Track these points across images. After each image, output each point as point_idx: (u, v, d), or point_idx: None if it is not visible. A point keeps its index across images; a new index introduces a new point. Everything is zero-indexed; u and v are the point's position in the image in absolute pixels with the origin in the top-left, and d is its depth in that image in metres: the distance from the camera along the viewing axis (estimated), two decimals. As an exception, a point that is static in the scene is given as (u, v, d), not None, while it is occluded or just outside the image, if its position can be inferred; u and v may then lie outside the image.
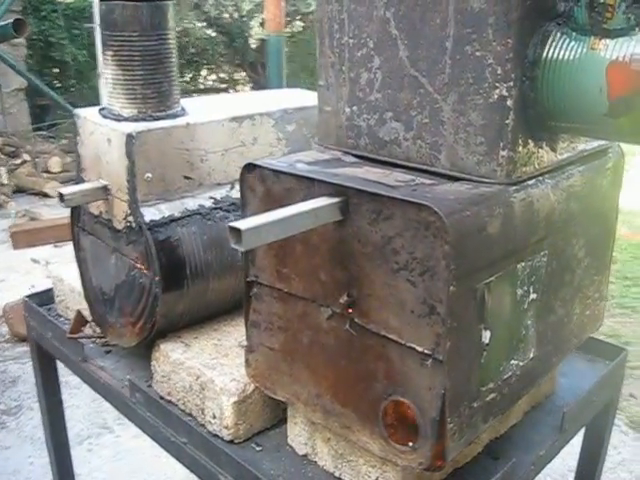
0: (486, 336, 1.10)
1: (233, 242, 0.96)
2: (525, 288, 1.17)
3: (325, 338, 1.20)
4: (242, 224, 0.94)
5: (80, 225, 1.64)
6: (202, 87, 11.03)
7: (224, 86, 11.16)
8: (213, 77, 11.40)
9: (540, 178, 1.15)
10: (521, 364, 1.23)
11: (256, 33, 10.32)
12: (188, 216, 1.44)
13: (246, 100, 1.70)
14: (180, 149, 1.42)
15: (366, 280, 1.09)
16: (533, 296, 1.20)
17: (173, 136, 1.40)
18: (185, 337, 1.51)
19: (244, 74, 11.17)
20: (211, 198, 1.48)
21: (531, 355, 1.25)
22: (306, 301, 1.22)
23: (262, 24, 9.25)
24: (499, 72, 1.03)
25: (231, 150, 1.51)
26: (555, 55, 1.02)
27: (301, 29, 10.91)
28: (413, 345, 1.06)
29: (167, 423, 1.42)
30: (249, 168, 1.22)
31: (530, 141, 1.10)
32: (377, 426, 1.14)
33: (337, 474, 1.27)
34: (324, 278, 1.16)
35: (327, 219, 1.06)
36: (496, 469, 1.29)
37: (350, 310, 1.14)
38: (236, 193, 1.53)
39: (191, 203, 1.46)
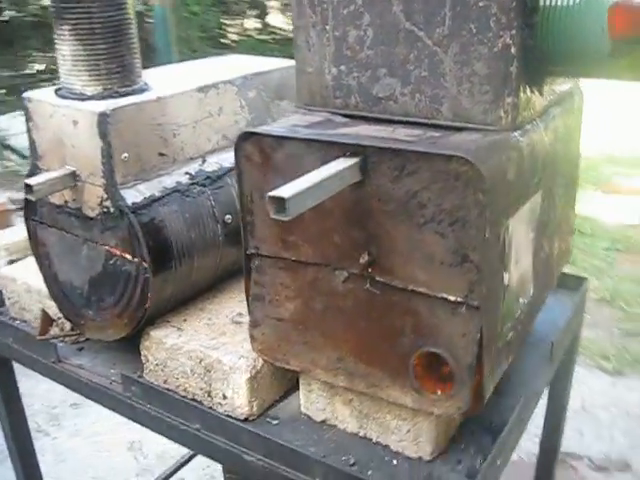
0: (506, 278, 1.14)
1: (274, 212, 0.93)
2: (527, 228, 1.22)
3: (342, 301, 1.20)
4: (284, 192, 0.92)
5: (37, 218, 1.53)
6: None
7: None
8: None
9: (535, 122, 1.19)
10: (526, 302, 1.28)
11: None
12: (168, 195, 1.38)
13: (201, 69, 1.64)
14: (153, 125, 1.35)
15: (388, 237, 1.09)
16: (531, 235, 1.25)
17: (145, 112, 1.33)
18: (174, 321, 1.46)
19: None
20: (187, 174, 1.43)
21: (531, 292, 1.31)
22: (317, 267, 1.20)
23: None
24: (503, 21, 1.04)
25: (200, 122, 1.45)
26: (553, 1, 1.05)
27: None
28: (444, 295, 1.08)
29: (173, 412, 1.38)
30: (245, 136, 1.18)
31: (528, 87, 1.13)
32: (408, 380, 1.15)
33: (362, 434, 1.28)
34: (338, 241, 1.16)
35: (349, 181, 1.05)
36: (507, 406, 1.34)
37: (370, 269, 1.14)
38: (208, 166, 1.49)
39: (168, 181, 1.40)
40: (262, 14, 10.41)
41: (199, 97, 1.44)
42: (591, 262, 4.76)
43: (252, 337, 1.33)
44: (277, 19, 10.43)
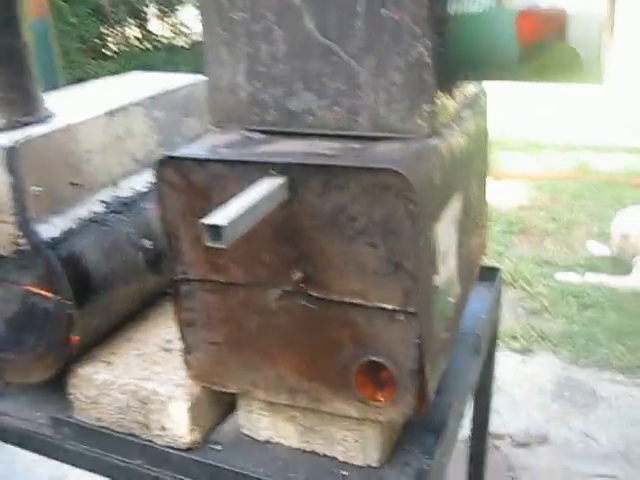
0: (437, 280, 1.16)
1: (209, 240, 0.91)
2: (451, 229, 1.25)
3: (277, 319, 1.19)
4: (219, 219, 0.90)
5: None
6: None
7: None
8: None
9: (450, 126, 1.23)
10: (454, 301, 1.31)
11: None
12: (84, 226, 1.32)
13: (106, 91, 1.58)
14: (63, 154, 1.29)
15: (320, 252, 1.10)
16: (455, 235, 1.29)
17: (54, 141, 1.27)
18: (102, 355, 1.41)
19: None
20: (102, 202, 1.37)
21: (458, 291, 1.35)
22: (249, 287, 1.19)
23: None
24: (417, 31, 1.07)
25: (110, 147, 1.40)
26: (461, 10, 1.09)
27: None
28: (381, 304, 1.09)
29: (111, 449, 1.32)
30: (164, 161, 1.15)
31: (442, 93, 1.16)
32: (351, 391, 1.16)
33: (308, 448, 1.28)
34: (269, 259, 1.15)
35: (279, 200, 1.04)
36: (444, 403, 1.37)
37: (304, 285, 1.14)
38: (122, 192, 1.44)
39: (84, 211, 1.34)
40: (142, 22, 10.17)
41: (107, 121, 1.39)
42: (490, 247, 4.93)
43: (187, 364, 1.30)
44: (157, 26, 10.22)
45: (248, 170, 1.09)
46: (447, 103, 1.20)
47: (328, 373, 1.18)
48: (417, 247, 1.02)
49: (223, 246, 0.91)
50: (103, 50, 9.69)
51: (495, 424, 3.36)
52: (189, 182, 1.15)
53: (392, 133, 1.15)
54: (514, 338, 3.97)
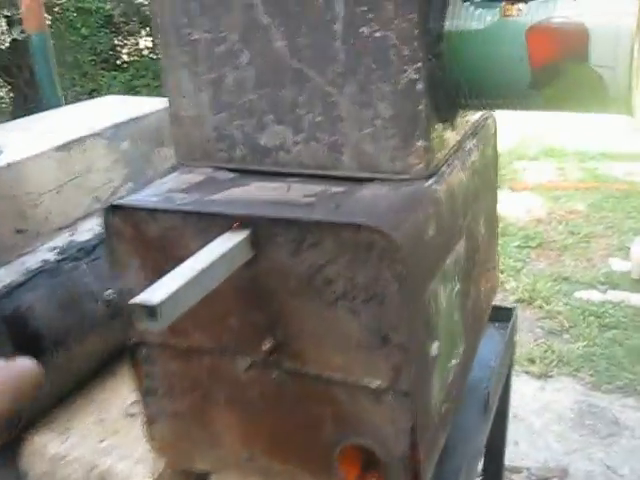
0: (434, 348, 0.98)
1: (143, 321, 0.73)
2: (453, 282, 1.07)
3: (247, 392, 1.01)
4: (152, 296, 0.72)
5: None
6: (-47, 101, 9.81)
7: (-22, 96, 10.02)
8: (-37, 88, 10.18)
9: (450, 161, 1.04)
10: (457, 362, 1.13)
11: (4, 32, 9.32)
12: (33, 277, 1.15)
13: (65, 121, 1.41)
14: (5, 197, 1.12)
15: (294, 318, 0.92)
16: (457, 287, 1.10)
17: (-6, 183, 1.11)
18: (58, 421, 1.23)
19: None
20: (54, 249, 1.20)
21: (462, 349, 1.16)
22: (214, 354, 1.01)
23: (10, 23, 8.39)
24: (405, 53, 0.89)
25: (66, 185, 1.23)
26: (460, 26, 0.90)
27: (50, 23, 10.02)
28: (366, 382, 0.91)
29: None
30: (111, 210, 0.98)
31: (441, 125, 0.98)
32: (333, 476, 0.98)
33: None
34: (236, 324, 0.97)
35: (241, 260, 0.87)
36: (450, 471, 1.19)
37: (276, 355, 0.96)
38: (80, 236, 1.27)
39: (32, 260, 1.17)
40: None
41: (61, 157, 1.22)
42: (507, 263, 4.74)
43: (150, 436, 1.13)
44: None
45: (205, 223, 0.91)
46: (446, 135, 1.02)
47: (306, 455, 1.00)
48: (407, 316, 0.84)
49: (159, 328, 0.73)
50: (117, 62, 9.61)
51: (512, 456, 3.16)
52: (141, 234, 0.98)
53: (381, 174, 0.97)
54: (532, 362, 3.76)
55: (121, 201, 0.97)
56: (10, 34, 8.69)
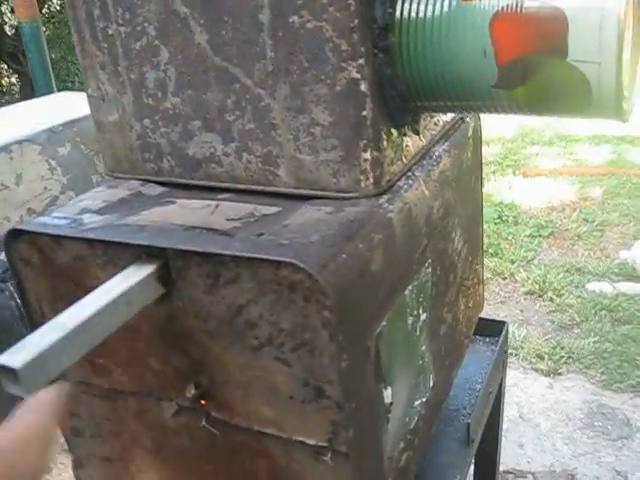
0: (388, 395, 0.84)
1: (9, 386, 0.59)
2: (415, 313, 0.92)
3: (177, 439, 0.88)
4: (15, 359, 0.58)
5: None
6: (-40, 88, 9.75)
7: (-14, 83, 9.96)
8: (-30, 74, 10.12)
9: (410, 174, 0.89)
10: (424, 400, 0.99)
11: (10, 19, 9.22)
12: (-54, 304, 1.03)
13: (-3, 123, 1.28)
14: None
15: (217, 363, 0.78)
16: (423, 317, 0.96)
17: None
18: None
19: (5, 66, 10.02)
20: (-25, 270, 1.07)
21: (431, 383, 1.02)
22: (139, 395, 0.88)
23: (13, 10, 8.28)
24: (344, 47, 0.73)
25: (-11, 198, 1.10)
26: (412, 13, 0.75)
27: (59, 7, 9.90)
28: (301, 438, 0.77)
29: None
30: (15, 234, 0.84)
31: (394, 131, 0.83)
32: (272, 542, 0.84)
33: None
34: (157, 366, 0.83)
35: (145, 300, 0.73)
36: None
37: (204, 402, 0.83)
38: (9, 253, 1.13)
39: (-54, 285, 1.04)
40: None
41: (-18, 166, 1.09)
42: (518, 253, 4.57)
43: (77, 480, 1.01)
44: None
45: (112, 253, 0.77)
46: (404, 143, 0.87)
47: (243, 516, 0.86)
48: (344, 367, 0.70)
49: (26, 394, 0.60)
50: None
51: (517, 460, 3.02)
52: (49, 260, 0.84)
53: (322, 191, 0.82)
54: (541, 358, 3.61)
55: (23, 225, 0.83)
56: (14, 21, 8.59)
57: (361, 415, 0.75)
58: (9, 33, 9.57)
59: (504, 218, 4.94)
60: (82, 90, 1.04)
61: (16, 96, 9.68)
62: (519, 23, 0.73)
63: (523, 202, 5.22)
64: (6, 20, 9.47)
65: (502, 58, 0.74)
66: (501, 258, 4.44)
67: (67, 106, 1.37)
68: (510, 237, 4.75)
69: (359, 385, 0.74)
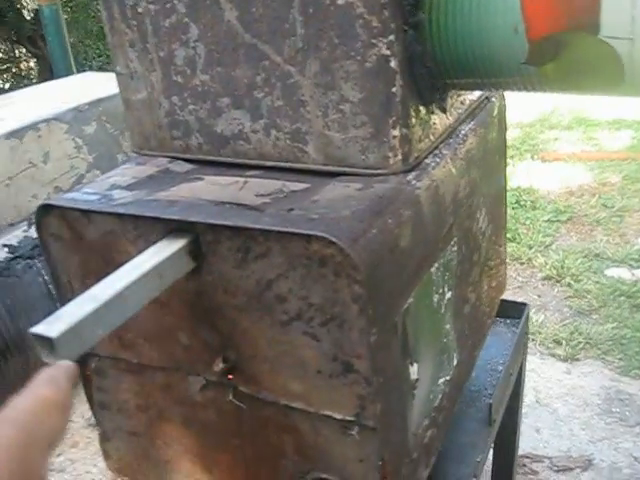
0: (414, 371, 0.84)
1: (45, 355, 0.61)
2: (441, 290, 0.92)
3: (204, 413, 0.89)
4: (52, 328, 0.59)
5: None
6: (-20, 72, 9.80)
7: (5, 66, 10.01)
8: (-10, 58, 10.16)
9: (437, 152, 0.89)
10: (448, 378, 0.99)
11: (28, 3, 9.24)
12: (-25, 279, 1.04)
13: (22, 103, 1.29)
14: (-60, 193, 1.01)
15: (246, 338, 0.79)
16: (448, 295, 0.96)
17: None
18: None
19: (24, 50, 10.05)
20: (5, 247, 1.09)
21: (455, 362, 1.02)
22: (167, 370, 0.89)
23: (32, -7, 8.32)
24: (375, 24, 0.73)
25: (18, 176, 1.11)
26: (443, -11, 0.75)
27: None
28: (328, 412, 0.78)
29: None
30: (45, 210, 0.86)
31: (422, 108, 0.83)
32: (298, 513, 0.86)
33: None
34: (186, 341, 0.84)
35: (176, 274, 0.74)
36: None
37: (231, 377, 0.84)
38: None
39: (-24, 261, 1.06)
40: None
41: (11, 145, 1.10)
42: (536, 238, 4.55)
43: (105, 453, 1.02)
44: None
45: (142, 228, 0.78)
46: (432, 121, 0.87)
47: (269, 488, 0.87)
48: (372, 341, 0.70)
49: (59, 363, 0.61)
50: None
51: (533, 444, 3.02)
52: (79, 236, 0.85)
53: (350, 168, 0.82)
54: (558, 344, 3.60)
55: (54, 201, 0.85)
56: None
57: (388, 390, 0.76)
58: (27, 17, 9.59)
59: (522, 203, 4.91)
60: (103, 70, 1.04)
61: (34, 80, 9.72)
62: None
63: (541, 187, 5.18)
64: (24, 4, 9.49)
65: (533, 34, 0.73)
66: (519, 243, 4.42)
67: (92, 86, 1.38)
68: (528, 222, 4.72)
69: (387, 360, 0.75)
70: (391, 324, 0.75)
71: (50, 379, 0.48)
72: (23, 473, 0.37)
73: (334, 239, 0.65)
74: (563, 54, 0.73)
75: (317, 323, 0.72)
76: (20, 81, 9.75)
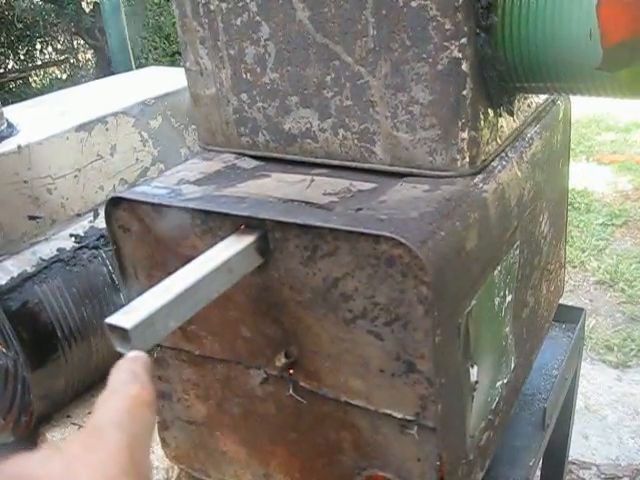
0: (474, 373, 0.84)
1: (118, 344, 0.63)
2: (502, 294, 0.92)
3: (263, 407, 0.91)
4: (126, 319, 0.62)
5: None
6: (40, 62, 10.06)
7: (63, 57, 10.24)
8: (49, 49, 10.41)
9: (503, 154, 0.89)
10: (505, 381, 0.99)
11: (86, -5, 9.44)
12: (45, 268, 1.08)
13: (90, 96, 1.32)
14: (15, 183, 1.04)
15: (309, 334, 0.80)
16: (509, 298, 0.96)
17: (4, 166, 1.02)
18: (76, 415, 1.17)
19: (82, 42, 10.27)
20: (72, 236, 1.12)
21: (513, 366, 1.02)
22: (227, 363, 0.91)
23: (91, -15, 8.49)
24: (447, 26, 0.73)
25: (86, 168, 1.14)
26: (516, -6, 0.74)
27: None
28: (388, 411, 0.78)
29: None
30: (115, 202, 0.88)
31: (490, 111, 0.83)
32: (353, 509, 0.87)
33: None
34: (248, 335, 0.86)
35: (244, 269, 0.75)
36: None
37: (292, 372, 0.85)
38: (102, 222, 1.18)
39: (46, 249, 1.09)
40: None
41: (80, 137, 1.13)
42: (589, 241, 4.46)
43: (163, 441, 1.05)
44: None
45: (211, 222, 0.80)
46: (500, 124, 0.87)
47: (325, 482, 0.89)
48: (436, 342, 0.71)
49: (132, 353, 0.63)
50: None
51: (581, 451, 2.98)
52: (147, 229, 0.88)
53: (418, 169, 0.83)
54: (610, 350, 3.53)
55: (124, 194, 0.87)
56: (91, -3, 8.79)
57: (449, 391, 0.76)
58: (86, 9, 9.79)
59: (576, 205, 4.83)
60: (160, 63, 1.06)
61: (91, 71, 9.92)
62: (627, 5, 0.71)
63: (596, 190, 5.08)
64: (83, -3, 9.69)
65: (608, 40, 0.72)
66: (571, 246, 4.34)
67: (157, 80, 1.41)
68: (581, 225, 4.64)
69: (449, 362, 0.75)
70: (454, 326, 0.76)
71: (133, 376, 0.49)
72: (136, 474, 0.39)
73: (403, 240, 0.65)
74: (637, 61, 0.72)
75: (381, 322, 0.73)
76: (77, 72, 9.97)
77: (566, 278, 4.14)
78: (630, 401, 3.23)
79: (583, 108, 6.27)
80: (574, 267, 4.15)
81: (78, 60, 10.26)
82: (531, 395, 1.30)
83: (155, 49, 9.71)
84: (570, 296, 3.87)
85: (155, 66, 1.56)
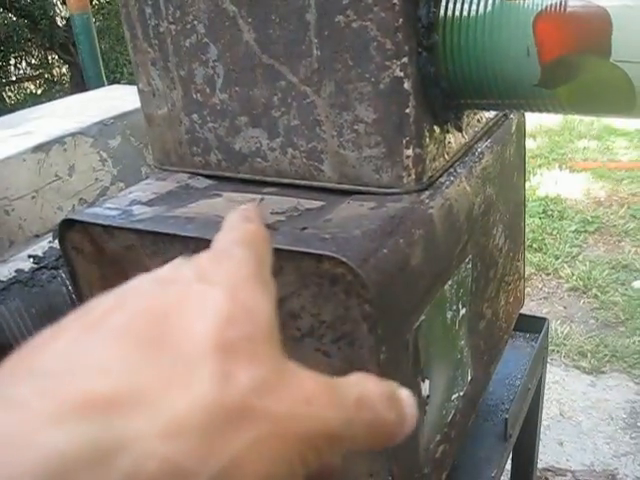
0: (425, 388, 0.85)
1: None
2: (454, 307, 0.93)
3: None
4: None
5: None
6: (14, 77, 10.01)
7: (38, 72, 10.20)
8: (23, 65, 10.37)
9: (451, 170, 0.90)
10: (462, 394, 1.00)
11: (61, 11, 9.42)
12: (4, 289, 1.07)
13: (47, 117, 1.32)
14: (-30, 205, 1.04)
15: (260, 353, 0.80)
16: (462, 312, 0.97)
17: (-44, 189, 1.03)
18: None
19: (57, 57, 10.24)
20: (30, 257, 1.12)
21: (469, 378, 1.03)
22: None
23: (64, 1, 8.46)
24: (388, 46, 0.75)
25: (44, 189, 1.14)
26: (457, 12, 0.76)
27: None
28: (340, 427, 0.79)
29: None
30: (68, 224, 0.88)
31: (436, 127, 0.84)
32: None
33: None
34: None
35: (192, 290, 0.76)
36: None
37: (246, 390, 0.85)
38: (62, 241, 1.18)
39: (4, 271, 1.09)
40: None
41: (37, 158, 1.13)
42: (562, 248, 4.51)
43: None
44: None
45: (160, 244, 0.80)
46: (447, 140, 0.88)
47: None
48: (382, 359, 0.72)
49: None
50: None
51: (556, 457, 3.00)
52: (100, 249, 0.88)
53: (365, 187, 0.84)
54: (583, 356, 3.57)
55: (76, 215, 0.87)
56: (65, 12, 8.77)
57: (399, 406, 0.77)
58: (60, 24, 9.77)
59: (549, 213, 4.88)
60: (130, 80, 1.07)
61: (66, 85, 9.89)
62: (563, 22, 0.73)
63: (569, 197, 5.15)
64: (57, 11, 9.67)
65: (545, 57, 0.74)
66: (545, 253, 4.39)
67: (117, 99, 1.41)
68: (555, 232, 4.69)
69: (397, 377, 0.76)
70: (402, 342, 0.76)
71: (246, 217, 0.41)
72: (263, 282, 0.36)
73: (344, 259, 0.66)
74: (575, 77, 0.74)
75: (328, 340, 0.74)
76: (52, 87, 9.93)
77: (540, 285, 4.16)
78: (604, 407, 3.26)
79: (556, 116, 6.36)
80: (548, 274, 4.19)
81: (53, 75, 10.22)
82: (494, 406, 1.31)
83: (130, 63, 9.69)
84: (544, 303, 3.91)
85: (117, 85, 1.57)
